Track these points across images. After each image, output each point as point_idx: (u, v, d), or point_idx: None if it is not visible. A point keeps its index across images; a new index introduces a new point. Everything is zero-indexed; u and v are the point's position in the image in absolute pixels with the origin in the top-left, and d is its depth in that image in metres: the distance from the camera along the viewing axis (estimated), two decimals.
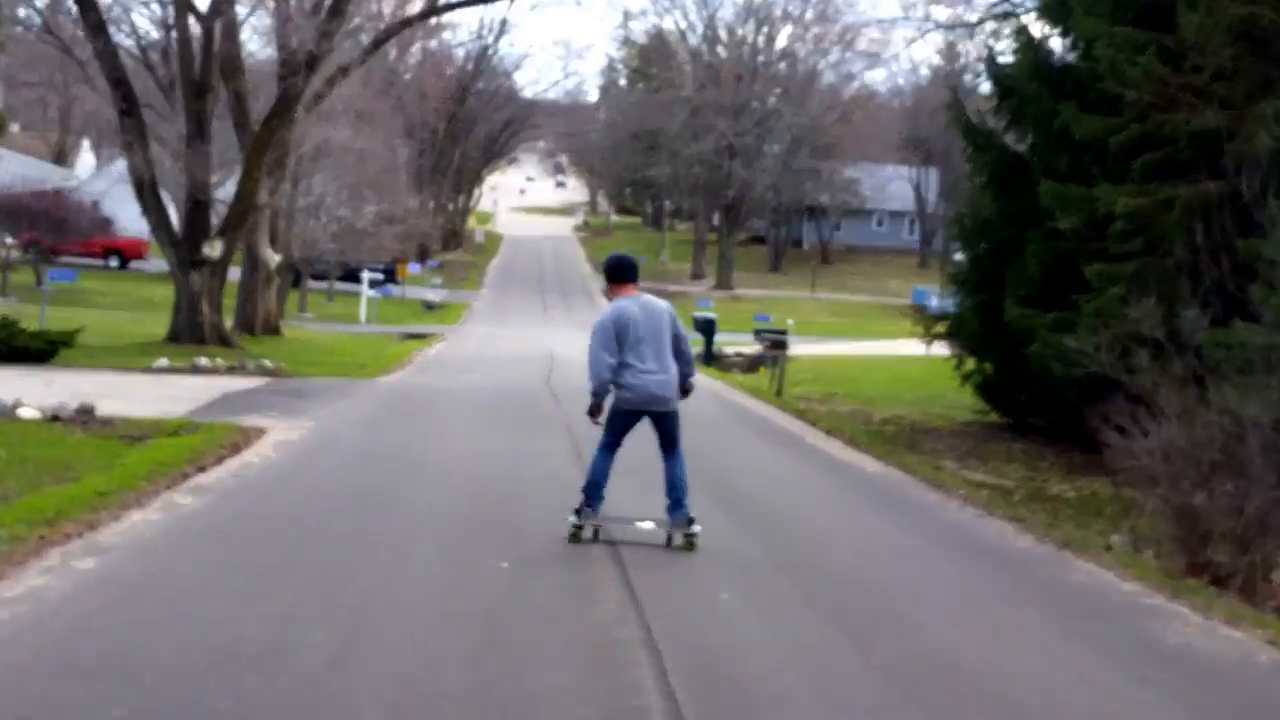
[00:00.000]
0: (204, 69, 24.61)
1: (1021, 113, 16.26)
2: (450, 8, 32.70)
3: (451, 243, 77.20)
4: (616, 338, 7.61)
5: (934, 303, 54.01)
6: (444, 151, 69.06)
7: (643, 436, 7.94)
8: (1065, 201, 14.09)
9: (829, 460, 12.90)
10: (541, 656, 5.42)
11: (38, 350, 17.83)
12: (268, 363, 19.81)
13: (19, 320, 18.62)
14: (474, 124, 74.33)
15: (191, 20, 24.59)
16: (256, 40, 40.71)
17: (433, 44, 70.23)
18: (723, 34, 70.16)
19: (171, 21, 26.32)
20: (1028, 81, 15.59)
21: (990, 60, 16.87)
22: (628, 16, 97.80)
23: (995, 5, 22.69)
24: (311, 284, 46.21)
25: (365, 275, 44.17)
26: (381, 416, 14.36)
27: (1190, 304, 10.08)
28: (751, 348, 32.49)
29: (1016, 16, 17.00)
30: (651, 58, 77.86)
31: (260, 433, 11.56)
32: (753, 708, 5.01)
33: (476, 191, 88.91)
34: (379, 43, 29.55)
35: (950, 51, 63.03)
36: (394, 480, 9.88)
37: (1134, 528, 9.06)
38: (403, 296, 50.54)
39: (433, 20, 64.18)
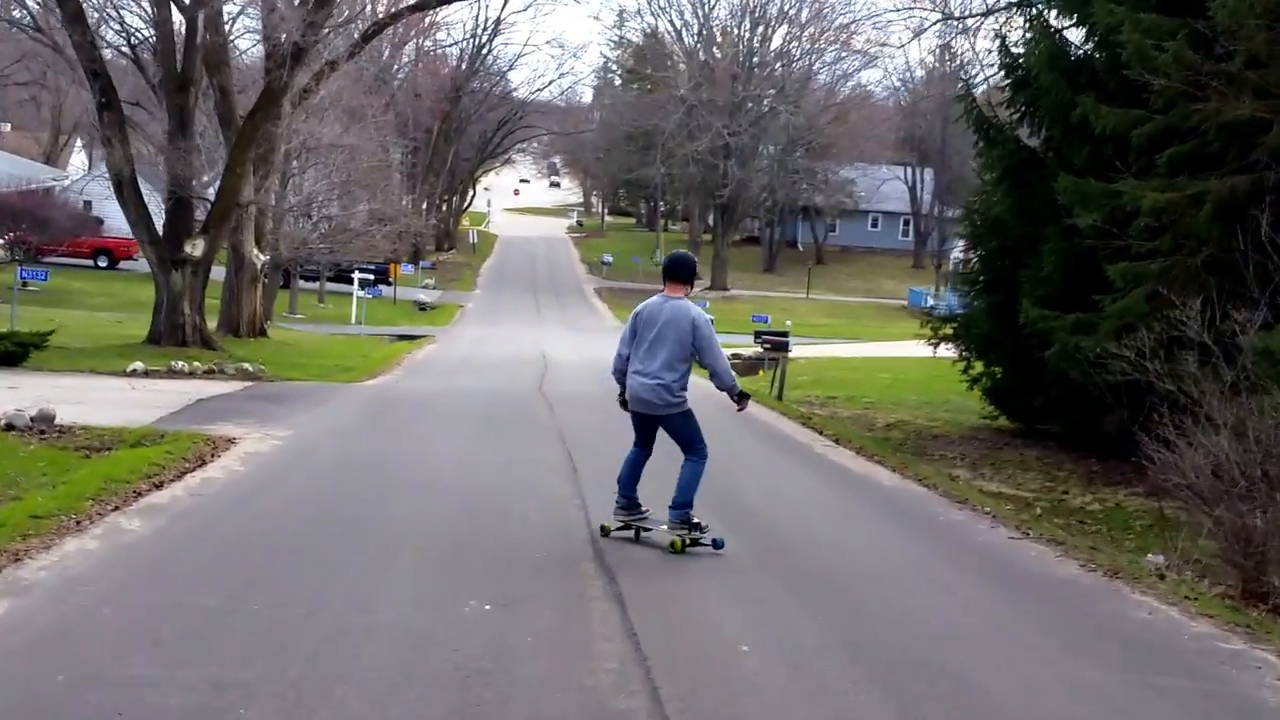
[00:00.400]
0: (187, 62, 23.86)
1: (1037, 105, 15.52)
2: (440, 2, 31.92)
3: (445, 243, 76.51)
4: (633, 334, 7.85)
5: (930, 303, 53.67)
6: (438, 151, 68.33)
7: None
8: (1085, 197, 13.36)
9: (842, 473, 12.02)
10: None
11: (6, 353, 17.04)
12: (248, 366, 19.03)
13: None
14: (468, 123, 73.65)
15: (176, 13, 23.79)
16: (248, 39, 39.87)
17: (427, 43, 69.68)
18: (718, 34, 69.53)
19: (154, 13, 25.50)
20: (1045, 71, 14.84)
21: (1003, 49, 16.09)
22: (623, 17, 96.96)
23: None
24: (302, 285, 45.49)
25: (356, 275, 43.51)
26: (363, 425, 13.52)
27: (1237, 305, 9.30)
28: (750, 349, 31.83)
29: (1030, 4, 16.15)
30: (646, 56, 77.25)
31: (229, 443, 10.76)
32: None
33: (470, 192, 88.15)
34: (368, 37, 28.78)
35: (942, 55, 62.35)
36: (369, 499, 8.93)
37: (1180, 549, 8.29)
38: (394, 298, 49.78)
39: (426, 19, 63.67)
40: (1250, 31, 11.44)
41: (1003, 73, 16.41)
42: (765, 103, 66.53)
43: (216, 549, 7.12)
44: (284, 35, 23.04)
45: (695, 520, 7.72)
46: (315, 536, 7.53)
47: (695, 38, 69.95)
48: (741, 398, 7.90)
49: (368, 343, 32.43)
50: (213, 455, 10.07)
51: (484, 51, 71.49)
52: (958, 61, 47.80)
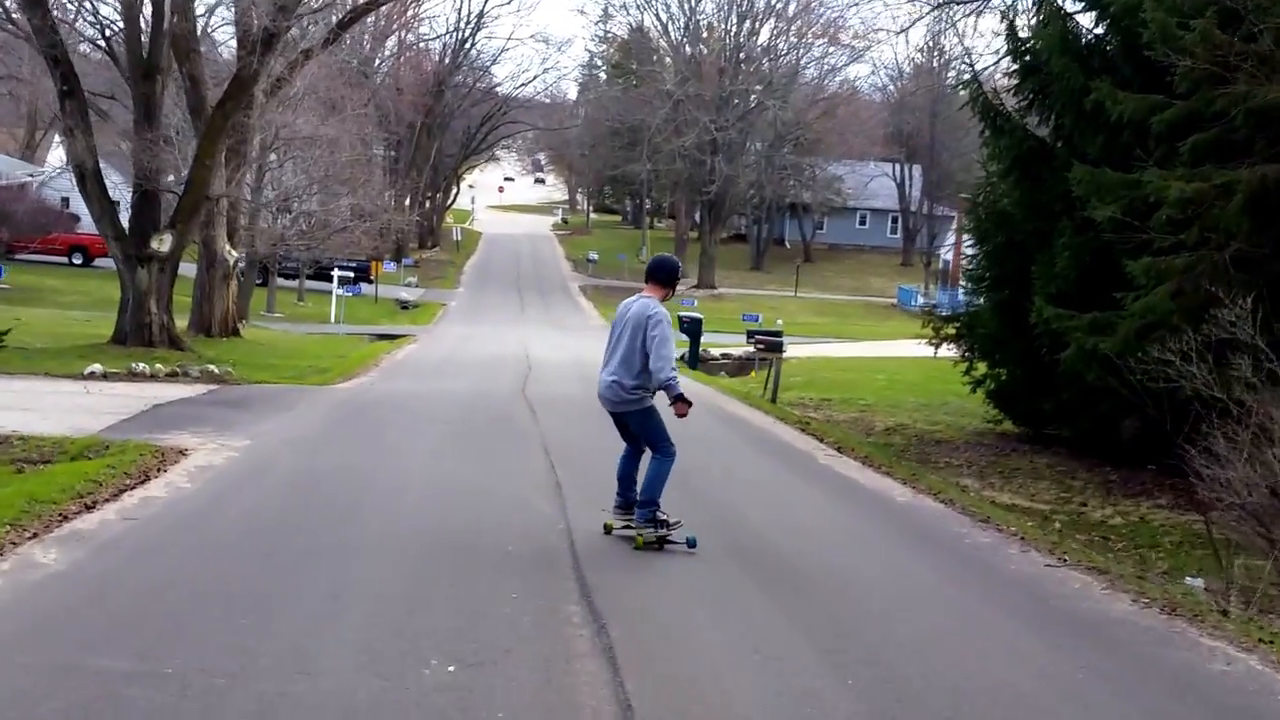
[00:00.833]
0: (154, 48, 22.92)
1: (1047, 92, 14.70)
2: None
3: (428, 240, 75.48)
4: (611, 334, 7.88)
5: (921, 301, 52.91)
6: (420, 146, 67.30)
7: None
8: (1102, 188, 12.53)
9: (850, 488, 11.00)
10: None
11: None
12: (214, 368, 18.06)
13: None
14: (451, 118, 72.63)
15: None
16: (226, 31, 38.84)
17: (409, 37, 68.62)
18: (704, 29, 68.68)
19: None
20: (1056, 56, 14.01)
21: (1010, 33, 15.24)
22: (608, 11, 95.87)
23: None
24: (281, 282, 44.47)
25: (336, 273, 42.52)
26: (329, 433, 12.51)
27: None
28: (740, 348, 31.03)
29: None
30: (632, 51, 76.32)
31: (179, 455, 9.82)
32: None
33: (454, 189, 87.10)
34: (344, 25, 27.78)
35: (931, 49, 61.58)
36: (327, 522, 7.85)
37: (1228, 575, 7.45)
38: (376, 296, 48.80)
39: (408, 11, 62.62)
40: None
41: (1010, 58, 15.58)
42: (752, 98, 65.72)
43: (135, 592, 6.07)
44: (255, 20, 22.10)
45: (663, 517, 7.56)
46: (256, 574, 6.47)
47: (681, 32, 69.08)
48: (678, 400, 7.51)
49: (346, 342, 31.48)
50: (159, 470, 9.12)
51: (467, 45, 70.52)
52: (960, 47, 47.05)
